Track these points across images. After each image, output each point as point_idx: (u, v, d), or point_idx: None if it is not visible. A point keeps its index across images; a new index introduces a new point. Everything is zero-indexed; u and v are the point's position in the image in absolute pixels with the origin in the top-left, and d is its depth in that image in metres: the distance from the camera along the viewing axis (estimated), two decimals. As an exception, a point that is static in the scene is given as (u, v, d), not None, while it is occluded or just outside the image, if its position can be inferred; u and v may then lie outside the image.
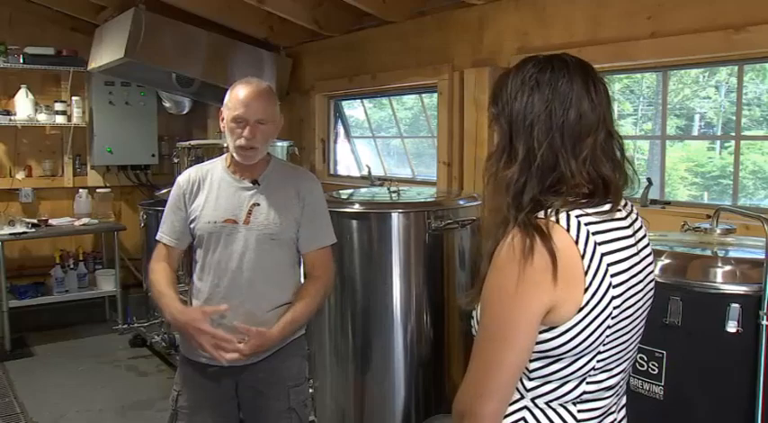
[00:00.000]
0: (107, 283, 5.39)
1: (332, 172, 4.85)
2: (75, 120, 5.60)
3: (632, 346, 1.25)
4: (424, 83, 3.81)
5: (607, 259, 1.14)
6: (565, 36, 2.96)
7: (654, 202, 2.73)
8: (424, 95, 4.04)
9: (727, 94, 2.78)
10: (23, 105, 5.36)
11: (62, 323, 5.33)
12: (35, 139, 5.66)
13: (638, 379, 1.97)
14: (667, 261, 1.98)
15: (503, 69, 3.12)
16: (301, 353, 2.26)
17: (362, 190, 3.64)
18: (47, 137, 5.73)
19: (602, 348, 1.16)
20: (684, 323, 1.87)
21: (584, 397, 1.19)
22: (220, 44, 4.55)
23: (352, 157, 4.81)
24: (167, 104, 5.76)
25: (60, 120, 5.55)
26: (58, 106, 5.54)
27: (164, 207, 2.27)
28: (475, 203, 3.05)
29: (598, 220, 1.16)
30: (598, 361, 1.17)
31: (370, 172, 4.07)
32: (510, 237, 1.13)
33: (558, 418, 1.19)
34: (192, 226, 2.16)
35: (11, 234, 4.89)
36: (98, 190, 5.65)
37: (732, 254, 2.05)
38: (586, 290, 1.12)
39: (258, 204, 2.11)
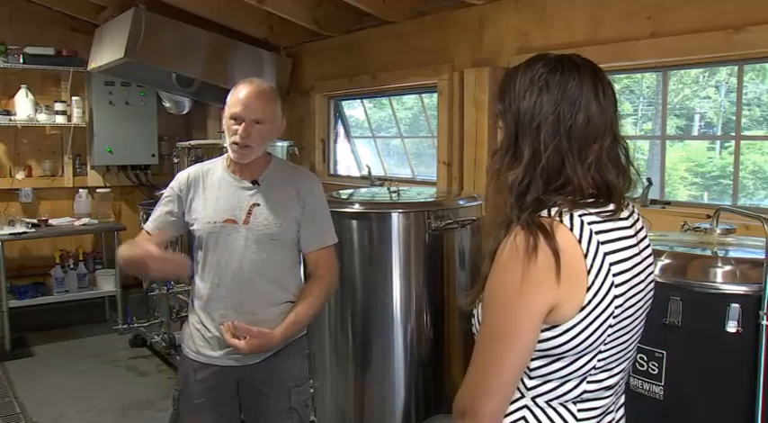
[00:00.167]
0: (107, 283, 5.40)
1: (332, 172, 4.85)
2: (75, 120, 5.60)
3: (632, 345, 1.25)
4: (424, 83, 3.81)
5: (609, 259, 1.14)
6: (565, 36, 2.96)
7: (654, 202, 2.74)
8: (424, 95, 4.04)
9: (727, 94, 2.78)
10: (23, 105, 5.36)
11: (62, 323, 5.33)
12: (35, 139, 5.67)
13: (638, 379, 1.97)
14: (667, 261, 1.98)
15: (503, 69, 3.14)
16: (302, 353, 2.26)
17: (362, 190, 3.64)
18: (47, 137, 5.74)
19: (602, 348, 1.16)
20: (684, 323, 1.87)
21: (585, 396, 1.19)
22: (220, 44, 4.55)
23: (352, 157, 4.81)
24: (167, 104, 5.76)
25: (60, 120, 5.55)
26: (58, 106, 5.54)
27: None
28: (475, 203, 3.05)
29: (601, 219, 1.16)
30: (599, 360, 1.17)
31: (370, 172, 4.07)
32: (513, 236, 1.13)
33: (558, 418, 1.19)
34: (191, 226, 2.16)
35: (11, 234, 4.89)
36: (98, 190, 5.66)
37: (732, 254, 2.05)
38: (589, 289, 1.12)
39: (258, 204, 2.11)
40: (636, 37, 2.68)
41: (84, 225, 5.31)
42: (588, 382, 1.19)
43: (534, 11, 3.12)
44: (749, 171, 2.71)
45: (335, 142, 4.86)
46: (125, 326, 4.90)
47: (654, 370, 1.94)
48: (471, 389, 1.15)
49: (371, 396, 2.96)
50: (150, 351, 4.87)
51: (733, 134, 2.62)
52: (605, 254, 1.13)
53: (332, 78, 4.54)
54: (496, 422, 1.16)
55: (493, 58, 3.32)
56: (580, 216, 1.14)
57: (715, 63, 2.65)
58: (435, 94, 3.70)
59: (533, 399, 1.19)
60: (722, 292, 1.85)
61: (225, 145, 2.14)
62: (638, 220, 1.26)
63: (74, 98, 5.59)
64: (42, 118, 5.46)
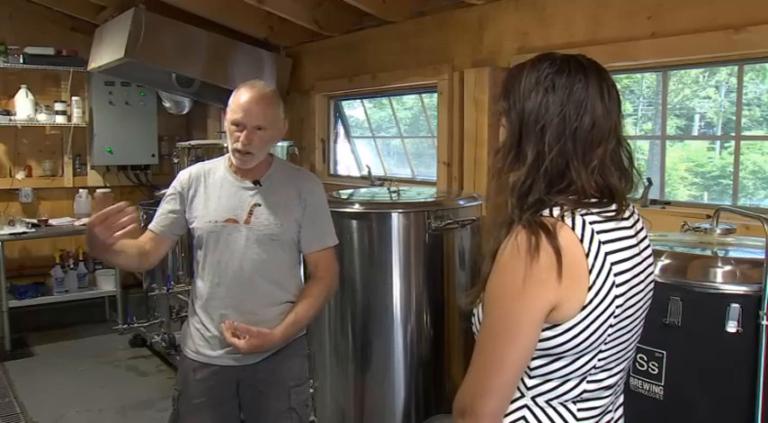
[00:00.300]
0: (107, 283, 5.39)
1: (332, 172, 4.85)
2: (75, 120, 5.60)
3: (632, 345, 1.25)
4: (424, 83, 3.81)
5: (611, 258, 1.14)
6: (565, 36, 2.96)
7: (654, 202, 2.74)
8: (424, 95, 4.05)
9: (728, 94, 2.78)
10: (23, 105, 5.36)
11: (62, 323, 5.33)
12: (35, 139, 5.67)
13: (638, 379, 1.97)
14: (667, 261, 1.98)
15: (503, 69, 3.14)
16: (302, 353, 2.26)
17: (362, 190, 3.64)
18: (47, 137, 5.73)
19: (603, 347, 1.16)
20: (684, 323, 1.87)
21: (584, 396, 1.19)
22: (220, 44, 4.55)
23: (352, 157, 4.81)
24: (167, 104, 5.76)
25: (60, 120, 5.55)
26: (58, 106, 5.54)
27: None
28: (475, 203, 3.05)
29: (602, 220, 1.16)
30: (599, 360, 1.17)
31: (370, 172, 4.07)
32: (514, 235, 1.12)
33: (558, 417, 1.19)
34: (191, 224, 2.16)
35: (11, 234, 4.89)
36: (98, 190, 5.65)
37: (732, 254, 2.05)
38: (590, 288, 1.12)
39: (259, 204, 2.11)
40: (636, 37, 2.68)
41: (84, 225, 5.28)
42: (588, 382, 1.19)
43: (534, 11, 3.12)
44: (749, 171, 2.71)
45: (335, 142, 4.86)
46: (125, 326, 4.90)
47: (654, 370, 1.94)
48: (471, 388, 1.15)
49: (371, 396, 2.96)
50: (150, 351, 4.87)
51: (733, 134, 2.63)
52: (606, 254, 1.13)
53: (332, 78, 4.54)
54: (496, 421, 1.16)
55: (493, 59, 3.32)
56: (582, 216, 1.14)
57: (715, 63, 2.66)
58: (435, 94, 3.70)
59: (533, 398, 1.19)
60: (722, 292, 1.85)
61: (225, 145, 2.14)
62: (638, 220, 1.26)
63: (74, 98, 5.59)
64: (42, 118, 5.45)
